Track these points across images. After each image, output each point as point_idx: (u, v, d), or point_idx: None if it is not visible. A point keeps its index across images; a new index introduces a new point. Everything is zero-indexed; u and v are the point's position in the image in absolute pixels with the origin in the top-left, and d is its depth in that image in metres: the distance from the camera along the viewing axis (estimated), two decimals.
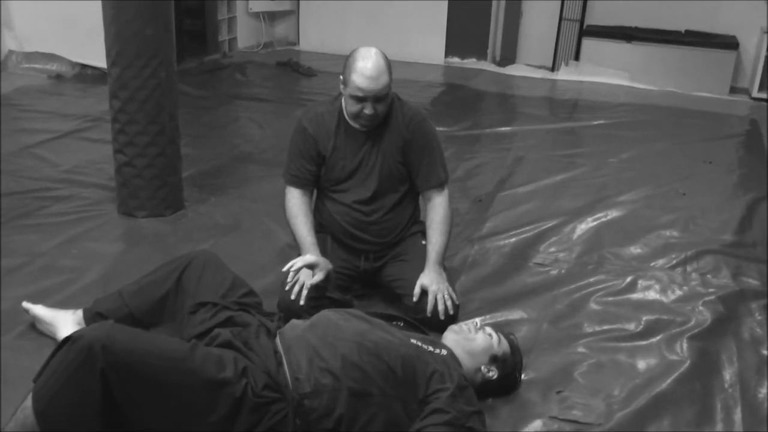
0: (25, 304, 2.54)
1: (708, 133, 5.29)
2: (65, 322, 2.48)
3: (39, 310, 2.52)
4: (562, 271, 3.16)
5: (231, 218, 3.56)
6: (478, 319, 2.36)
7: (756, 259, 3.31)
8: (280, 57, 7.02)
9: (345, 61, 2.62)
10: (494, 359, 2.26)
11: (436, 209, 2.76)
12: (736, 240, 3.51)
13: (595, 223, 3.65)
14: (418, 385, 2.06)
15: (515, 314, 2.83)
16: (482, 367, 2.24)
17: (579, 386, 2.40)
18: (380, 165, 2.72)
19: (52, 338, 2.46)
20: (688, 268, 3.20)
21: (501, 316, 2.80)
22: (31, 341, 2.49)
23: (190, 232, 3.39)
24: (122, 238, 3.34)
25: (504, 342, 2.29)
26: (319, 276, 2.57)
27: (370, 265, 2.82)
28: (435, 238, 2.72)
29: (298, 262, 2.54)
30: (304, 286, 2.62)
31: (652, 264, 3.25)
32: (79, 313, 2.49)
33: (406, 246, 2.83)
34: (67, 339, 1.77)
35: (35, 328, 2.53)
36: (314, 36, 7.60)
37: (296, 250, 3.02)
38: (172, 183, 3.54)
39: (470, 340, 2.25)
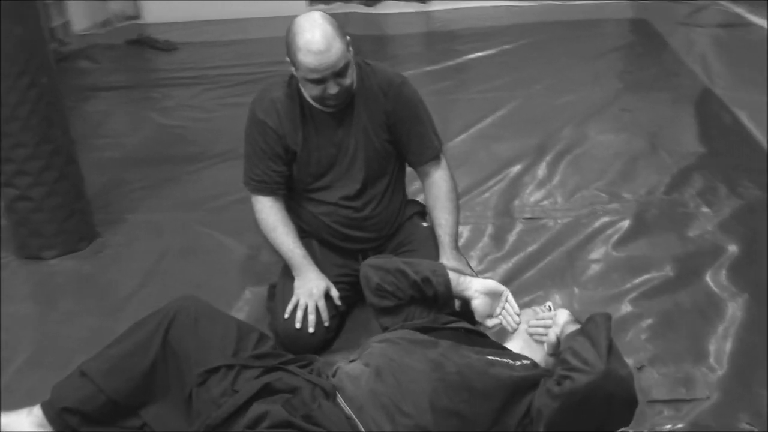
0: None
1: (612, 42, 5.11)
2: (20, 426, 1.88)
3: None
4: (559, 221, 2.85)
5: (160, 236, 2.97)
6: (549, 304, 1.99)
7: (741, 167, 3.14)
8: (128, 34, 6.17)
9: (286, 40, 2.11)
10: None
11: (438, 184, 2.34)
12: (708, 150, 3.33)
13: (562, 160, 3.35)
14: (519, 405, 1.68)
15: (537, 284, 2.50)
16: None
17: (657, 355, 2.11)
18: (364, 148, 2.25)
19: None
20: (685, 194, 2.97)
21: (523, 290, 2.46)
22: None
23: (120, 265, 2.79)
24: (37, 290, 2.69)
25: None
26: (334, 294, 2.25)
27: None
28: (444, 219, 2.31)
29: (306, 303, 2.19)
30: (308, 310, 2.18)
31: (645, 193, 3.01)
32: (37, 411, 1.89)
33: (406, 233, 2.41)
34: None
35: None
36: (157, 5, 6.77)
37: (253, 260, 2.60)
38: (80, 209, 2.90)
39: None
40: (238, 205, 3.15)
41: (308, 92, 2.15)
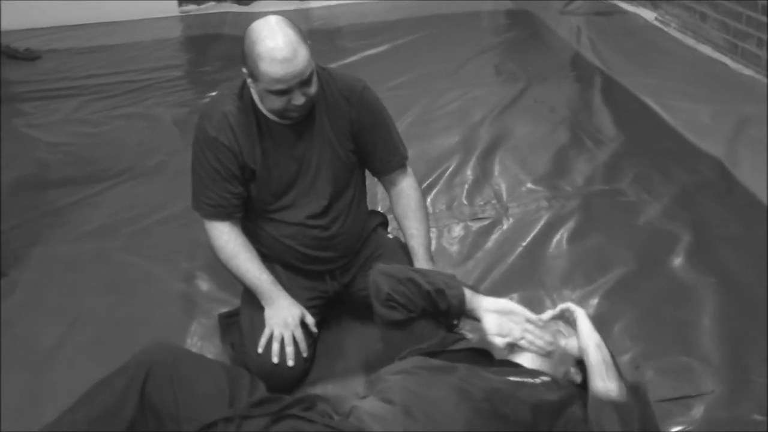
0: None
1: (501, 33, 5.10)
2: None
3: None
4: (510, 219, 2.79)
5: (76, 269, 2.65)
6: (548, 315, 1.89)
7: (666, 151, 3.20)
8: None
9: (243, 49, 1.91)
10: (578, 361, 1.84)
11: (407, 193, 2.20)
12: (627, 136, 3.37)
13: (494, 156, 3.28)
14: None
15: (506, 286, 2.42)
16: (571, 369, 1.81)
17: (647, 351, 2.07)
18: (330, 160, 2.07)
19: None
20: (622, 183, 2.98)
21: (493, 293, 2.34)
22: None
23: (38, 307, 2.46)
24: None
25: None
26: (309, 320, 2.07)
27: (339, 284, 2.21)
28: (416, 229, 2.18)
29: (281, 334, 2.01)
30: (285, 341, 2.00)
31: (583, 184, 2.99)
32: None
33: (374, 246, 2.26)
34: None
35: None
36: (10, 10, 6.16)
37: (191, 288, 2.42)
38: None
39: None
40: (160, 227, 2.89)
41: (269, 105, 1.94)
